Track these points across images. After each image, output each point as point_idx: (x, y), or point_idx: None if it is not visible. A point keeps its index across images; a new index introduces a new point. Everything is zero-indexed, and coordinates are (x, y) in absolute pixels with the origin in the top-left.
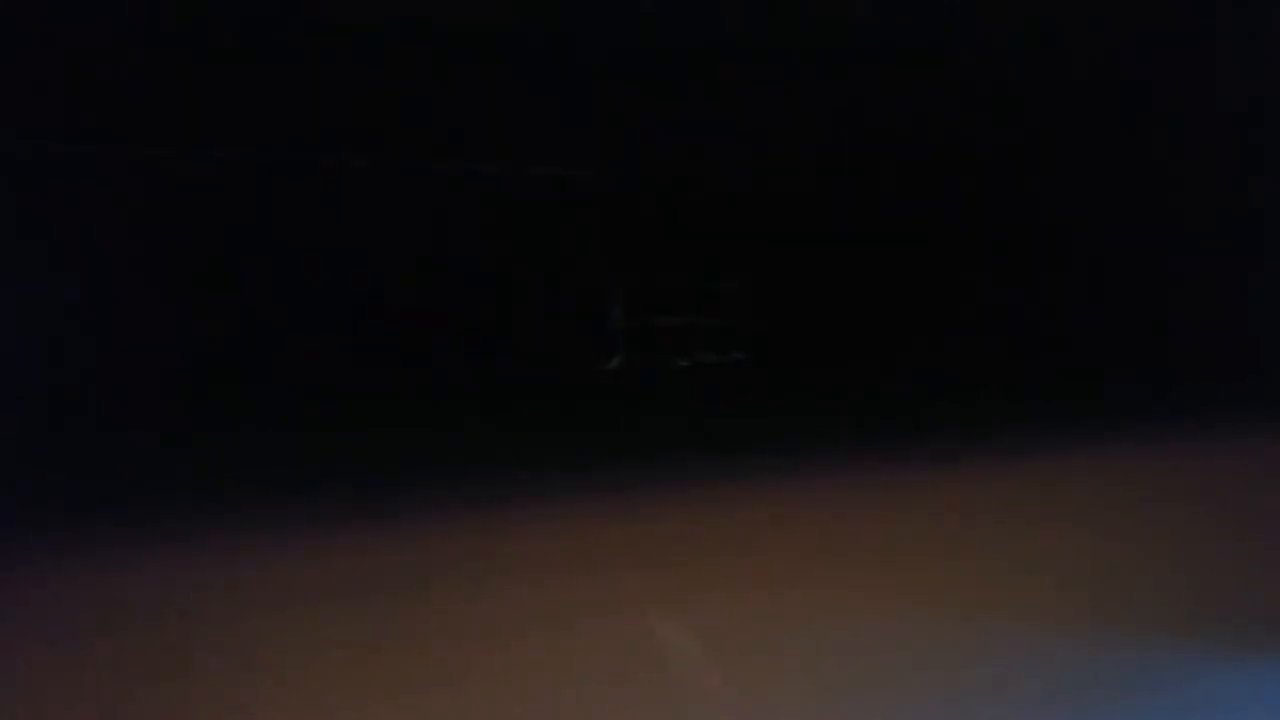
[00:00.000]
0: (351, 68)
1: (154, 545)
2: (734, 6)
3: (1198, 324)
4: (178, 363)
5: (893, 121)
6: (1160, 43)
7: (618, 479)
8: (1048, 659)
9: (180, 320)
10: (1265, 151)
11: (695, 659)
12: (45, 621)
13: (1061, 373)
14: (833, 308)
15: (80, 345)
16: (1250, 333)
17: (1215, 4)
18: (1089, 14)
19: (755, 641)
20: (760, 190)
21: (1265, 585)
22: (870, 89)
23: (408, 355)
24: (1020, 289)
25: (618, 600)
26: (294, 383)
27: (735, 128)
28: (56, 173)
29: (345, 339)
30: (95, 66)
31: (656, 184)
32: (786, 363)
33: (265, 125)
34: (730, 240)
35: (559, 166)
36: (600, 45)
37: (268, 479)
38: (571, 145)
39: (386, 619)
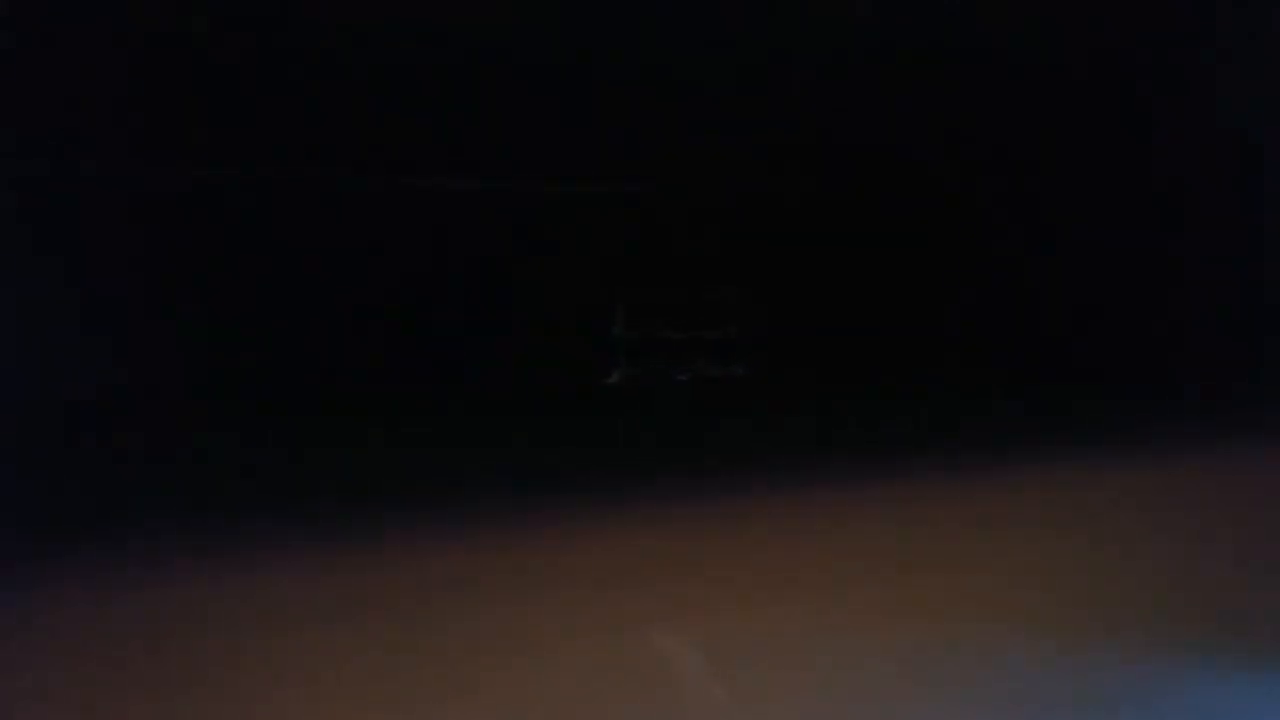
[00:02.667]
0: (351, 82)
1: (171, 560)
2: (729, 15)
3: (1201, 329)
4: (190, 378)
5: (893, 128)
6: (1164, 41)
7: (621, 493)
8: (1052, 668)
9: (190, 335)
10: (1267, 152)
11: (701, 672)
12: (54, 636)
13: (1064, 379)
14: (834, 318)
15: (88, 359)
16: (1254, 338)
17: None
18: (1089, 13)
19: (760, 655)
20: (761, 200)
21: (1267, 593)
22: (871, 95)
23: (409, 371)
24: (1022, 296)
25: (622, 614)
26: (300, 399)
27: (735, 138)
28: (53, 189)
29: (348, 355)
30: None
31: (656, 196)
32: (787, 374)
33: (264, 140)
34: (731, 252)
35: (558, 180)
36: (599, 57)
37: (278, 494)
38: (570, 158)
39: (394, 633)
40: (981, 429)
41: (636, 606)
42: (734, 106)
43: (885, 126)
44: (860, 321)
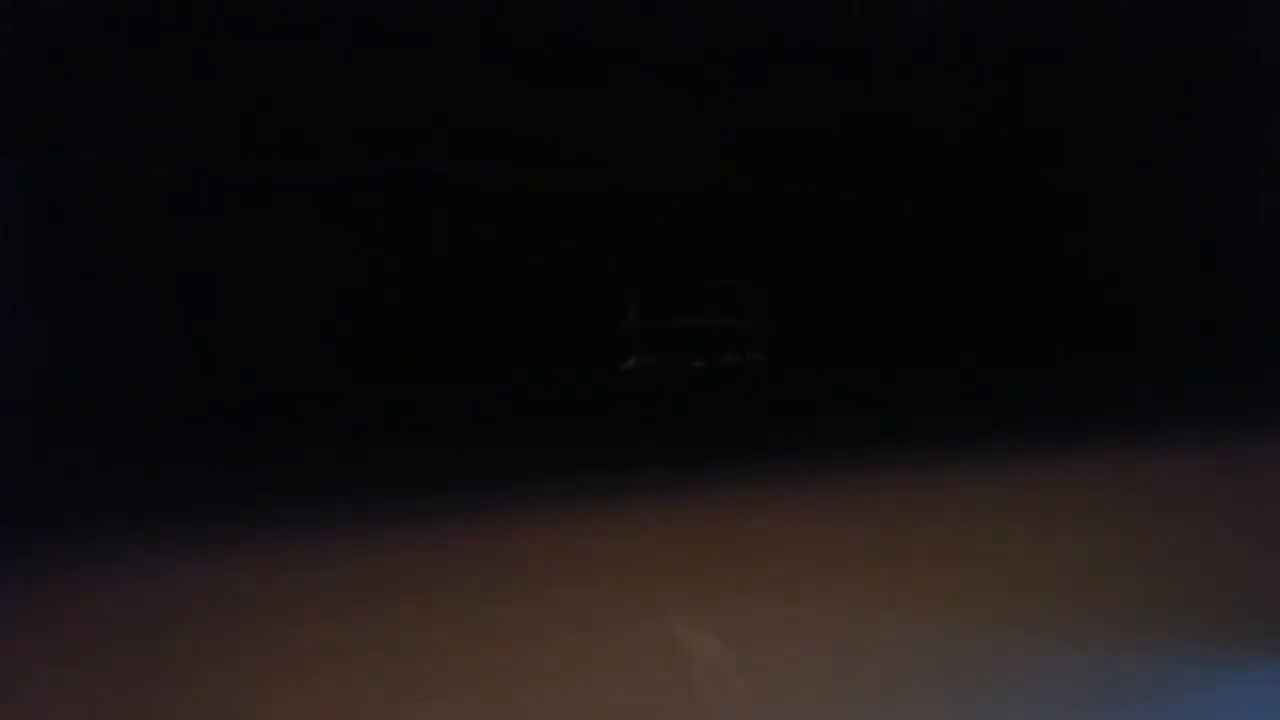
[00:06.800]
0: (359, 70)
1: (173, 549)
2: (745, 7)
3: (1220, 320)
4: (195, 368)
5: (910, 120)
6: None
7: (636, 482)
8: (1062, 663)
9: (193, 326)
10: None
11: (720, 662)
12: (60, 627)
13: (1078, 371)
14: (852, 308)
15: (84, 349)
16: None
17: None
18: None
19: (780, 645)
20: (778, 191)
21: (1269, 588)
22: (886, 87)
23: (421, 360)
24: (1035, 288)
25: (637, 604)
26: (321, 384)
27: (751, 128)
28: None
29: (358, 346)
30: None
31: (673, 185)
32: (805, 362)
33: (265, 130)
34: (748, 241)
35: (574, 169)
36: (613, 47)
37: (293, 484)
38: (585, 147)
39: (405, 623)
40: (998, 420)
41: (654, 595)
42: (749, 100)
43: (899, 118)
44: (878, 311)
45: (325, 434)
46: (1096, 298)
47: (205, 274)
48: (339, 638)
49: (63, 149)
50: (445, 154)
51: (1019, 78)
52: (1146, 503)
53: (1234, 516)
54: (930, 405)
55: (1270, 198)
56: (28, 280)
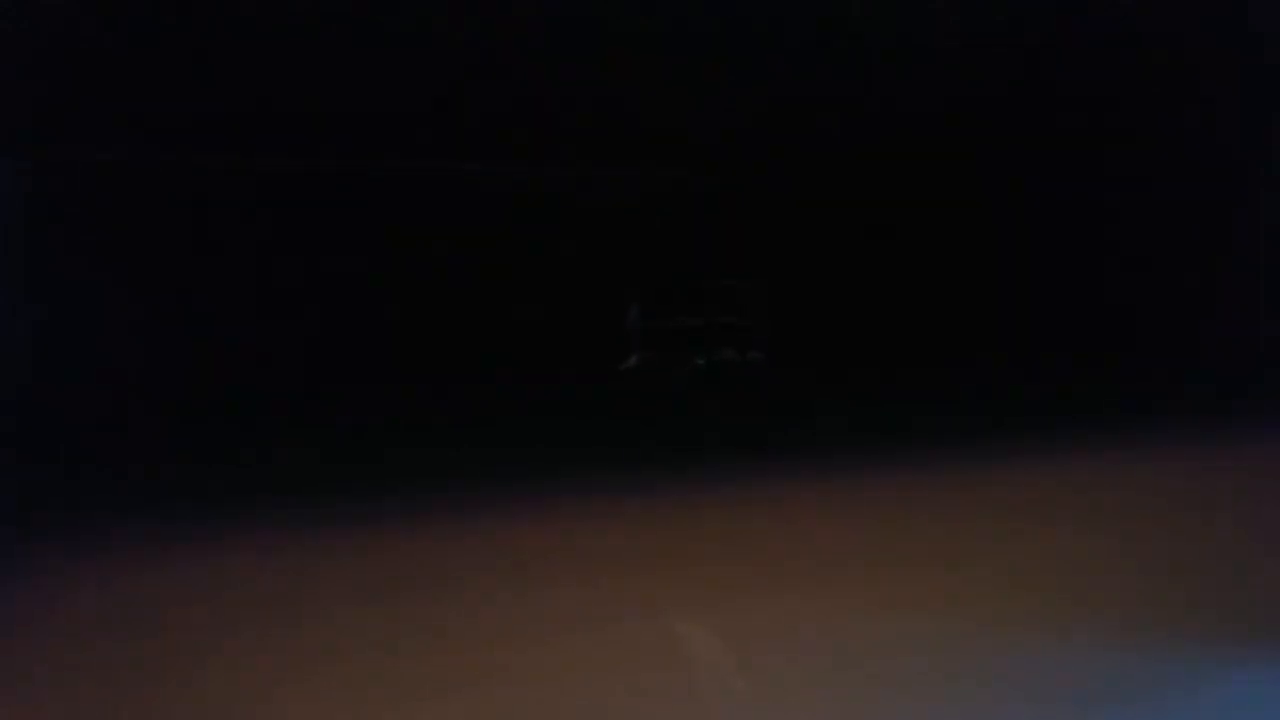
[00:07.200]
0: (359, 69)
1: (173, 549)
2: (746, 6)
3: (1224, 318)
4: (196, 366)
5: (910, 120)
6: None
7: (635, 482)
8: (1062, 663)
9: (193, 325)
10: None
11: (720, 661)
12: (60, 627)
13: (1078, 371)
14: (851, 307)
15: (84, 349)
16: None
17: None
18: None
19: (780, 645)
20: (778, 190)
21: (1269, 588)
22: (886, 87)
23: (422, 359)
24: (1036, 288)
25: (637, 603)
26: (320, 384)
27: (751, 128)
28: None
29: (366, 344)
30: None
31: (673, 185)
32: (804, 363)
33: (264, 129)
34: (748, 240)
35: (574, 169)
36: (613, 46)
37: (295, 483)
38: (585, 147)
39: (405, 621)
40: (998, 420)
41: (654, 594)
42: (749, 98)
43: (899, 117)
44: (878, 310)
45: (325, 434)
46: (1097, 297)
47: (205, 273)
48: (339, 638)
49: (63, 149)
50: (445, 153)
51: (1018, 77)
52: (1146, 503)
53: (1234, 516)
54: (930, 405)
55: (1271, 197)
56: (28, 280)
